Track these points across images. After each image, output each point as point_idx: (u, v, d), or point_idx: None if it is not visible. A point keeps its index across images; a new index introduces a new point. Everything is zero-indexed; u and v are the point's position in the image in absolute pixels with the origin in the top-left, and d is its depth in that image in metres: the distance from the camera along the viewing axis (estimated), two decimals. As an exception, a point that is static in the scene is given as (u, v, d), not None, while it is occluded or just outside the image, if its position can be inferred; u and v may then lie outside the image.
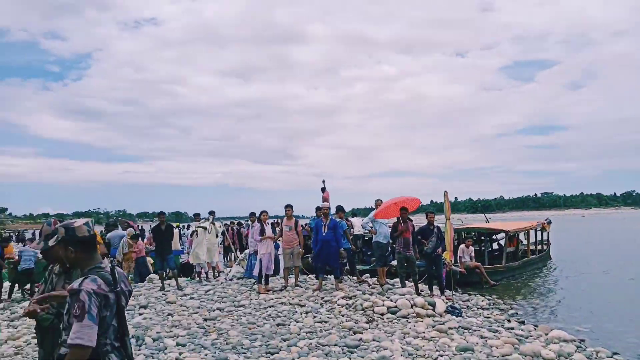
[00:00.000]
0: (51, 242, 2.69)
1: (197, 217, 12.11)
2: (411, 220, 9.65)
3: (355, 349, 5.95)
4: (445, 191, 9.07)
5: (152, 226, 11.37)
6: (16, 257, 11.55)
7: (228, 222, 20.49)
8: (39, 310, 2.87)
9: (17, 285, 11.70)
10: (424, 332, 6.65)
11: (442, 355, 5.65)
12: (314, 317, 7.70)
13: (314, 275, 11.33)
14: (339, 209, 11.47)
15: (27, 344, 7.05)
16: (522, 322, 7.56)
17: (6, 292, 11.57)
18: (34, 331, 2.99)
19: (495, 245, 16.54)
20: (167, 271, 11.42)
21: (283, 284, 10.24)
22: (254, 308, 8.57)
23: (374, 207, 11.17)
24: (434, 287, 9.54)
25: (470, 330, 6.88)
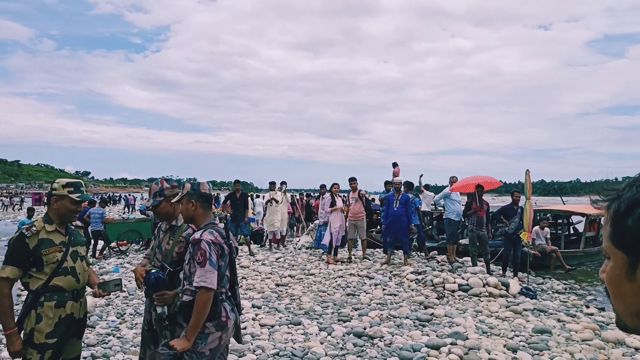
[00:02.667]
0: (175, 199, 2.95)
1: (272, 186, 12.41)
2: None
3: (427, 323, 5.96)
4: (527, 170, 8.71)
5: (228, 193, 11.81)
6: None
7: (297, 194, 20.90)
8: (140, 276, 3.12)
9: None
10: (497, 312, 6.53)
11: (517, 335, 5.54)
12: (383, 289, 7.77)
13: (381, 249, 11.41)
14: (409, 185, 11.37)
15: (116, 296, 7.66)
16: (602, 309, 7.21)
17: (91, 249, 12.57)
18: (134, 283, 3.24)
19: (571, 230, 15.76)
20: (239, 237, 11.89)
21: (348, 256, 10.38)
22: (324, 277, 8.78)
23: (446, 184, 10.98)
24: (508, 268, 9.31)
25: (546, 313, 6.68)
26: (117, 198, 44.87)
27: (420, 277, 8.42)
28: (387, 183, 11.83)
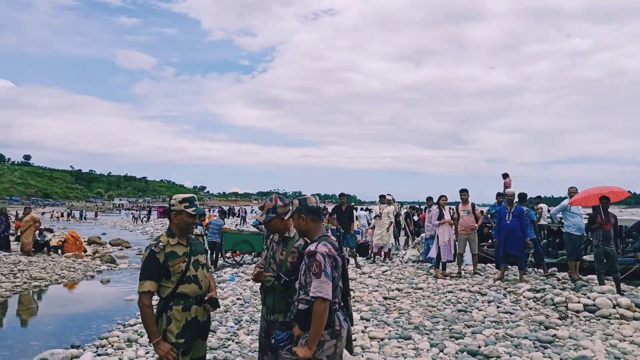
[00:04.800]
0: (286, 217, 3.15)
1: (382, 198, 12.40)
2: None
3: (548, 345, 5.56)
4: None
5: (333, 207, 12.04)
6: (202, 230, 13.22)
7: (408, 207, 20.68)
8: (265, 274, 3.31)
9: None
10: (631, 336, 5.90)
11: (657, 364, 4.97)
12: (498, 306, 7.39)
13: (493, 264, 10.86)
14: (522, 196, 10.72)
15: (233, 304, 8.13)
16: None
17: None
18: (258, 291, 3.44)
19: None
20: (345, 249, 12.01)
21: (458, 271, 10.01)
22: (432, 292, 8.56)
23: (564, 195, 10.20)
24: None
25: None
26: (235, 211, 48.23)
27: (539, 295, 7.87)
28: (499, 195, 11.28)
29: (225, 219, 15.02)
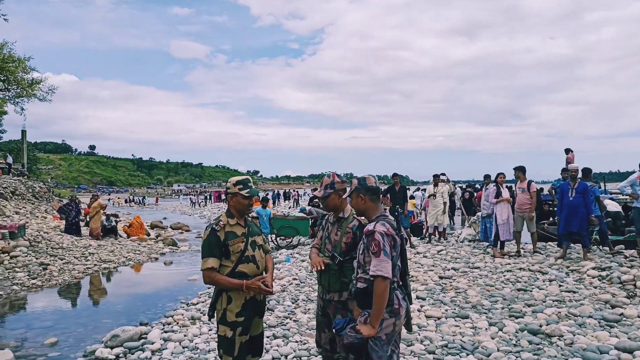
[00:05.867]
0: (345, 195, 3.16)
1: (436, 178, 12.22)
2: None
3: (615, 324, 5.33)
4: None
5: (386, 187, 11.95)
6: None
7: (463, 186, 20.24)
8: (321, 265, 3.34)
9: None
10: None
11: None
12: (560, 285, 7.13)
13: (554, 242, 10.47)
14: (586, 171, 10.20)
15: (290, 284, 8.31)
16: None
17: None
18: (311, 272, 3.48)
19: None
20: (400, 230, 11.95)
21: (517, 250, 9.73)
22: (490, 271, 8.38)
23: (632, 170, 9.62)
24: None
25: None
26: (288, 194, 49.33)
27: (604, 273, 7.54)
28: (564, 170, 10.81)
29: (271, 204, 15.11)
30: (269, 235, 13.41)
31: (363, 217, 3.25)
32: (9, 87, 22.67)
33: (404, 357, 4.48)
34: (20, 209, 18.90)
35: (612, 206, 11.24)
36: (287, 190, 56.18)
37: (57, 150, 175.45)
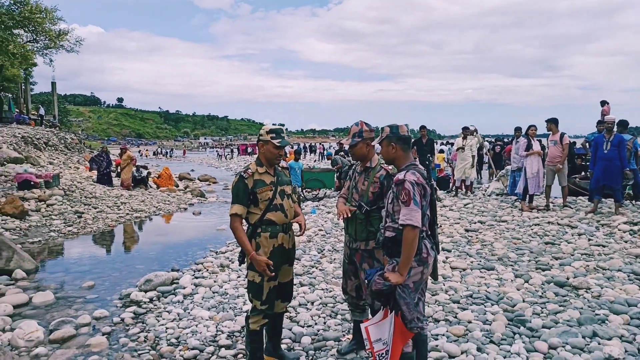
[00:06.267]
0: (375, 141, 3.09)
1: (465, 130, 11.94)
2: None
3: (645, 278, 5.27)
4: None
5: (414, 139, 11.78)
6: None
7: (493, 140, 19.82)
8: (348, 213, 3.35)
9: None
10: None
11: None
12: (589, 239, 7.04)
13: (585, 197, 10.26)
14: (623, 124, 9.82)
15: (315, 235, 8.43)
16: None
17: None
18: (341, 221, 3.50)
19: None
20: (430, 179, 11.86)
21: (546, 203, 9.58)
22: (517, 224, 8.31)
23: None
24: None
25: None
26: (314, 147, 50.06)
27: (636, 227, 7.39)
28: (599, 123, 10.44)
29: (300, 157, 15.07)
30: (299, 188, 13.53)
31: (391, 167, 3.22)
32: (38, 38, 22.81)
33: (428, 306, 4.54)
34: (54, 159, 19.46)
35: None
36: (312, 144, 56.24)
37: (86, 102, 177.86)
